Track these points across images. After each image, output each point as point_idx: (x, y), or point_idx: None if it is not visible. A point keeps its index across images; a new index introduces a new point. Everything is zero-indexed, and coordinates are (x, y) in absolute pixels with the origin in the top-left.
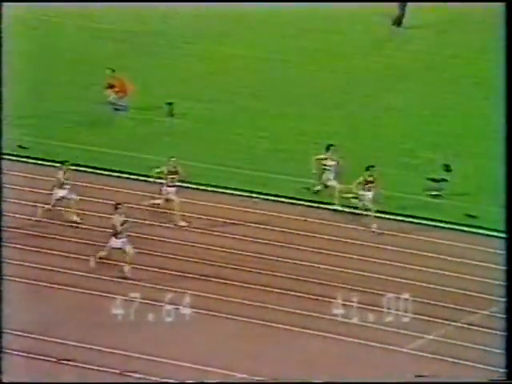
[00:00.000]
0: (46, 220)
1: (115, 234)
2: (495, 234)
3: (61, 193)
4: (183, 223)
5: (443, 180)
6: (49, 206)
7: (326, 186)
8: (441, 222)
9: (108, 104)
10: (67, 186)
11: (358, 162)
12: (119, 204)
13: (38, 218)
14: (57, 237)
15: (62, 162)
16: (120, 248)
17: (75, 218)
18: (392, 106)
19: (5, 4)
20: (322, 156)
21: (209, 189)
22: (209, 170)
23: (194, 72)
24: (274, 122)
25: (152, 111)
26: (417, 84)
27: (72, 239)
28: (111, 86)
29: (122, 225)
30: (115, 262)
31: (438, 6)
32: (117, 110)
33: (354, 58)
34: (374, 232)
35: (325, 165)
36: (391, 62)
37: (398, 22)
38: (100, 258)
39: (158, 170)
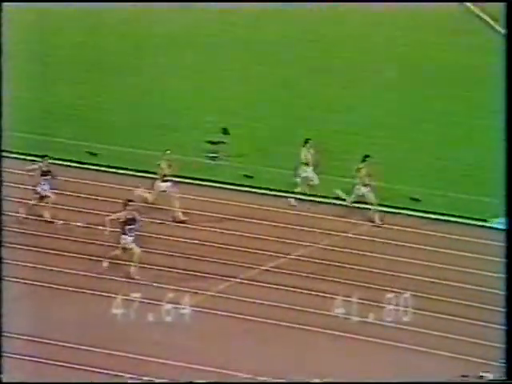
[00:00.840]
0: (30, 217)
1: (124, 232)
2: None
3: (43, 188)
4: (183, 217)
5: (221, 142)
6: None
7: (304, 179)
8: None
9: None
10: (47, 182)
11: (137, 124)
12: (130, 201)
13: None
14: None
15: (42, 157)
16: (128, 247)
17: (47, 216)
18: (170, 71)
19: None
20: (303, 150)
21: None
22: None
23: None
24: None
25: None
26: (197, 51)
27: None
28: None
29: (130, 222)
30: (117, 262)
31: None
32: None
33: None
34: (378, 225)
35: (303, 159)
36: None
37: None
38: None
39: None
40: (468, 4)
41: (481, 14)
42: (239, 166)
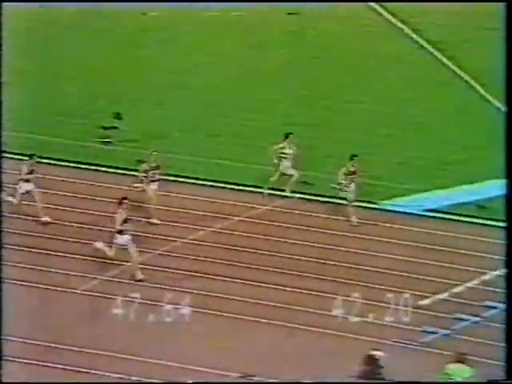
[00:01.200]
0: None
1: (119, 232)
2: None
3: (26, 187)
4: (156, 221)
5: (114, 127)
6: (15, 201)
7: (285, 175)
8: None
9: None
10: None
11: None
12: (124, 199)
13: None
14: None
15: (29, 156)
16: (124, 247)
17: (43, 216)
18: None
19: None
20: (280, 145)
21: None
22: None
23: None
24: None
25: None
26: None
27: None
28: None
29: (124, 222)
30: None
31: None
32: None
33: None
34: (353, 224)
35: (283, 153)
36: None
37: None
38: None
39: (143, 168)
40: (372, 4)
41: (382, 11)
42: (133, 151)
